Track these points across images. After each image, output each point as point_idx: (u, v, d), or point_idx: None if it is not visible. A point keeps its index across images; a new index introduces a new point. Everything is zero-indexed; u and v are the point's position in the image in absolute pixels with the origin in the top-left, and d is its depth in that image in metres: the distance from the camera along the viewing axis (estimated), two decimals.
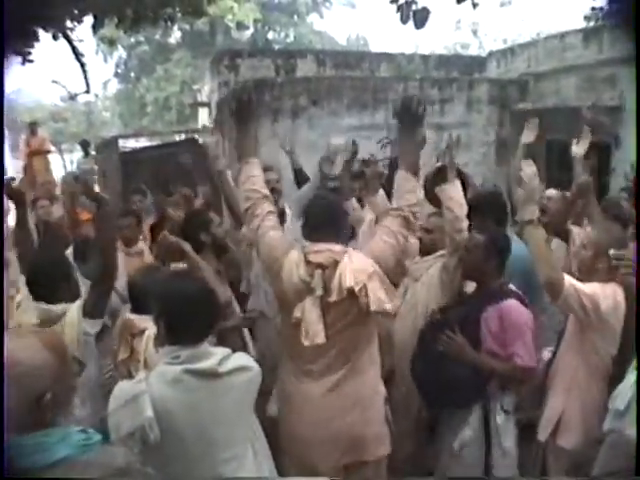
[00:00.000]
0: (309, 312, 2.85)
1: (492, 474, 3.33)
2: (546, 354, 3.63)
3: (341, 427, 2.95)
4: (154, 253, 4.35)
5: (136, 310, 3.16)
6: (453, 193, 3.62)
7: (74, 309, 3.05)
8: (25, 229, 4.06)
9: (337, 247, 2.97)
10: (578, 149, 4.48)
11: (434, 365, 3.32)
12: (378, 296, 2.82)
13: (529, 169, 3.67)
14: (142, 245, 5.03)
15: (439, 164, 3.99)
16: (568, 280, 3.17)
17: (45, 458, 1.62)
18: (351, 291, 2.82)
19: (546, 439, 3.43)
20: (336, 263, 2.89)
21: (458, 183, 3.68)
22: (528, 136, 4.48)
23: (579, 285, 3.19)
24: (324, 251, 2.94)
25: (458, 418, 3.37)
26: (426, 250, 3.93)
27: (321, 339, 2.83)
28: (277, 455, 3.00)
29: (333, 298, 2.85)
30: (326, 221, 3.06)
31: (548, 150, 8.31)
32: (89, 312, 3.06)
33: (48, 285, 3.12)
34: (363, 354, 3.01)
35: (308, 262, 2.93)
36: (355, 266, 2.88)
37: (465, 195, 3.72)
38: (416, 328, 3.58)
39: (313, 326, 2.83)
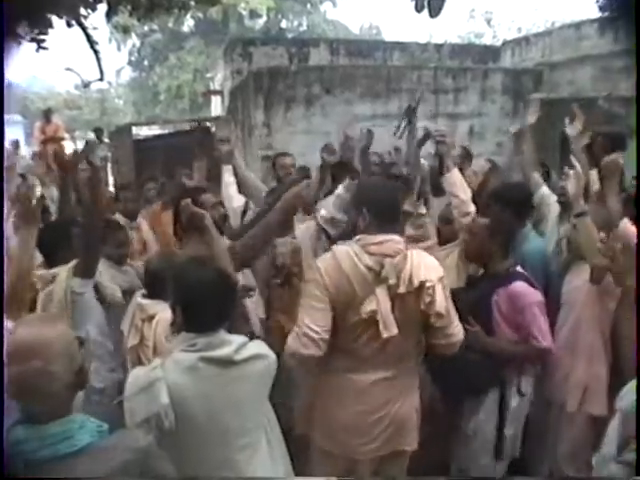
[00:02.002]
0: (383, 303, 2.69)
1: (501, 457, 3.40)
2: None
3: (387, 414, 2.87)
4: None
5: (151, 295, 3.15)
6: (454, 179, 3.76)
7: (64, 269, 3.21)
8: (67, 197, 4.20)
9: (398, 237, 2.80)
10: (572, 129, 4.42)
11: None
12: (442, 301, 2.71)
13: (577, 164, 3.67)
14: (140, 219, 5.13)
15: (435, 151, 4.07)
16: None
17: (70, 445, 1.63)
18: (420, 286, 2.68)
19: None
20: (404, 254, 2.73)
21: (456, 170, 3.80)
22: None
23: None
24: (385, 242, 2.75)
25: (472, 402, 3.42)
26: (445, 241, 4.00)
27: (396, 330, 2.69)
28: (300, 448, 2.98)
29: (402, 290, 2.68)
30: (389, 212, 2.86)
31: (562, 140, 8.26)
32: (79, 272, 3.20)
33: (51, 248, 3.42)
34: (416, 355, 2.97)
35: (370, 254, 2.74)
36: (427, 263, 2.77)
37: (485, 182, 3.74)
38: None
39: (388, 317, 2.69)
